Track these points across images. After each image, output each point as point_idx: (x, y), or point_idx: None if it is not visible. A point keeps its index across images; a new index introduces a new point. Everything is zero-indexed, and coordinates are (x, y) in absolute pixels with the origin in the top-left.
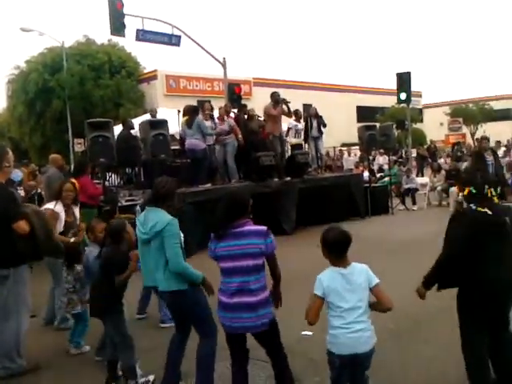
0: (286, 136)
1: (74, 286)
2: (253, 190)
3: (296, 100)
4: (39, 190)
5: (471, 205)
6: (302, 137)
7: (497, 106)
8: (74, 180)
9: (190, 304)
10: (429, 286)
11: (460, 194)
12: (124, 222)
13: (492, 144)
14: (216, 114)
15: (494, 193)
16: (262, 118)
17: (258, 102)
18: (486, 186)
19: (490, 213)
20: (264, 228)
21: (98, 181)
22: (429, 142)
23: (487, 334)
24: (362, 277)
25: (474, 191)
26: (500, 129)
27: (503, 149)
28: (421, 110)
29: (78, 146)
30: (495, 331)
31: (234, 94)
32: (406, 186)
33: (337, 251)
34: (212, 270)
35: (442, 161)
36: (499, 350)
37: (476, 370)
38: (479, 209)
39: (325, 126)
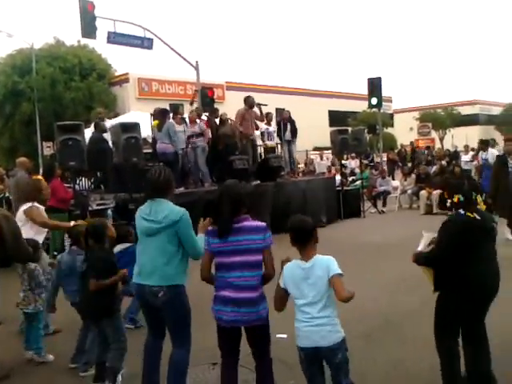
0: (263, 140)
1: (30, 283)
2: None
3: (269, 104)
4: (7, 194)
5: (460, 210)
6: (275, 140)
7: (464, 111)
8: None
9: (181, 298)
10: (416, 261)
11: (449, 200)
12: (105, 221)
13: (461, 148)
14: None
15: (479, 199)
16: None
17: (230, 106)
18: (474, 193)
19: (478, 218)
20: (263, 224)
21: (68, 185)
22: (399, 147)
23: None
24: (322, 270)
25: (461, 199)
26: (468, 133)
27: (471, 153)
28: (391, 115)
29: (47, 149)
30: (471, 330)
31: (207, 97)
32: (381, 189)
33: (297, 240)
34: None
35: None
36: (475, 349)
37: (449, 368)
38: (468, 214)
39: (295, 131)
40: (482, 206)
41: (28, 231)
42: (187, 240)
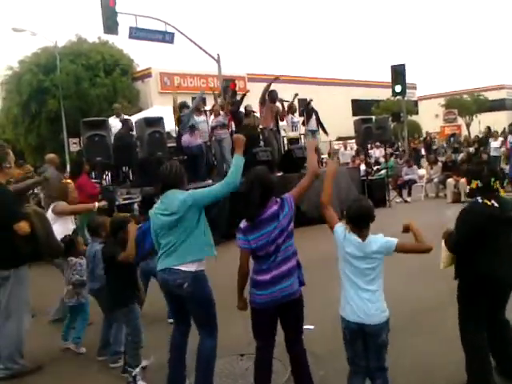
0: (286, 131)
1: (71, 278)
2: None
3: (291, 95)
4: (36, 191)
5: (478, 198)
6: (299, 131)
7: (491, 96)
8: (69, 180)
9: (206, 290)
10: (445, 241)
11: (467, 186)
12: (127, 218)
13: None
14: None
15: (498, 185)
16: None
17: (252, 98)
18: (493, 179)
19: (496, 205)
20: (279, 200)
21: (95, 180)
22: (424, 134)
23: (485, 324)
24: (377, 246)
25: (480, 185)
26: (495, 119)
27: (500, 139)
28: (416, 102)
29: (74, 145)
30: (493, 318)
31: (229, 90)
32: (407, 177)
33: (360, 224)
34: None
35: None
36: (496, 334)
37: (475, 361)
38: (485, 201)
39: (320, 122)
40: (502, 192)
41: (57, 229)
42: (212, 197)
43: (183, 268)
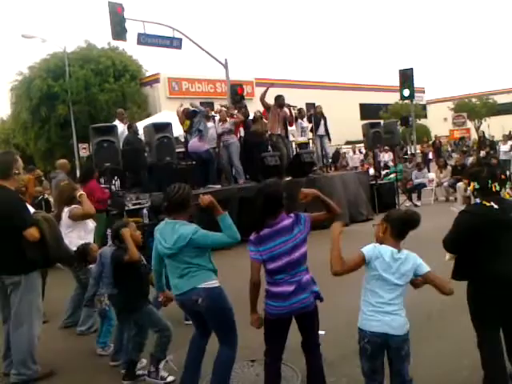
0: (294, 136)
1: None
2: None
3: (299, 99)
4: (45, 196)
5: (477, 199)
6: (307, 135)
7: (500, 99)
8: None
9: (220, 302)
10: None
11: (468, 188)
12: (123, 222)
13: (499, 138)
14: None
15: (497, 187)
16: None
17: (260, 103)
18: (490, 181)
19: (496, 207)
20: (294, 216)
21: (104, 185)
22: (433, 138)
23: (499, 329)
24: (411, 264)
25: (477, 186)
26: (504, 122)
27: (510, 142)
28: (424, 106)
29: (83, 151)
30: (508, 326)
31: (237, 94)
32: (417, 181)
33: (403, 234)
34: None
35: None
36: (507, 336)
37: (491, 365)
38: (484, 203)
39: (327, 129)
40: (505, 195)
41: (77, 234)
42: (212, 245)
43: (194, 286)
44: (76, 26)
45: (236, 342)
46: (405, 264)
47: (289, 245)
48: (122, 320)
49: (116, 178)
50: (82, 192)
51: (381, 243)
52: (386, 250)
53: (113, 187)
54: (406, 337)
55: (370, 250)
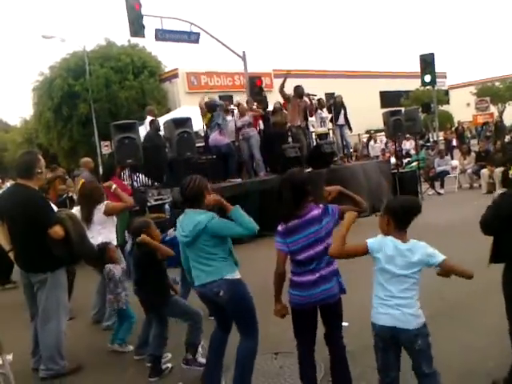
0: (314, 127)
1: (109, 284)
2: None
3: (318, 89)
4: (70, 194)
5: None
6: (327, 126)
7: None
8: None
9: (241, 294)
10: None
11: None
12: (146, 222)
13: None
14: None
15: None
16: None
17: (279, 94)
18: None
19: None
20: (323, 207)
21: (126, 182)
22: (456, 124)
23: None
24: (421, 254)
25: None
26: None
27: None
28: (447, 92)
29: (105, 148)
30: None
31: (256, 87)
32: (440, 169)
33: (405, 223)
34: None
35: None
36: None
37: None
38: None
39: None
40: None
41: (109, 230)
42: (228, 234)
43: (214, 278)
44: (95, 24)
45: (257, 333)
46: (412, 254)
47: (317, 236)
48: (152, 316)
49: (138, 174)
50: (115, 185)
51: (386, 235)
52: (389, 242)
53: (135, 183)
54: (418, 331)
55: (374, 241)
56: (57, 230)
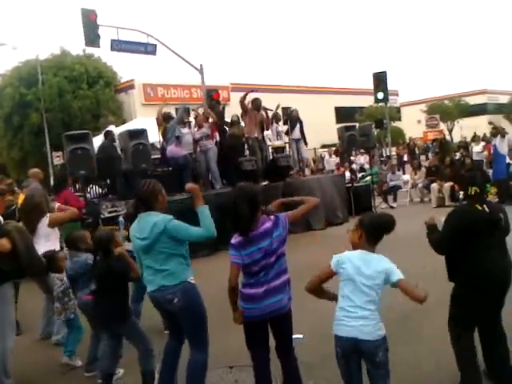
0: (270, 140)
1: (56, 294)
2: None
3: (275, 104)
4: (18, 206)
5: (464, 202)
6: (283, 139)
7: (472, 101)
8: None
9: (195, 300)
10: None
11: (461, 192)
12: (112, 233)
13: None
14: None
15: (490, 191)
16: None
17: (236, 107)
18: (488, 185)
19: (487, 210)
20: (274, 218)
21: (78, 193)
22: (408, 140)
23: (475, 325)
24: (382, 268)
25: (478, 191)
26: (476, 123)
27: (482, 143)
28: (399, 109)
29: (57, 158)
30: (488, 326)
31: (213, 100)
32: (392, 183)
33: (378, 238)
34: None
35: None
36: (491, 346)
37: (466, 363)
38: (477, 206)
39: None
40: (489, 197)
41: (53, 243)
42: (186, 238)
43: (171, 283)
44: (49, 33)
45: (207, 344)
46: (375, 265)
47: (269, 248)
48: (101, 331)
49: (91, 185)
50: (58, 204)
51: (355, 248)
52: (357, 253)
53: (88, 195)
54: (378, 343)
55: (337, 256)
56: (3, 243)
